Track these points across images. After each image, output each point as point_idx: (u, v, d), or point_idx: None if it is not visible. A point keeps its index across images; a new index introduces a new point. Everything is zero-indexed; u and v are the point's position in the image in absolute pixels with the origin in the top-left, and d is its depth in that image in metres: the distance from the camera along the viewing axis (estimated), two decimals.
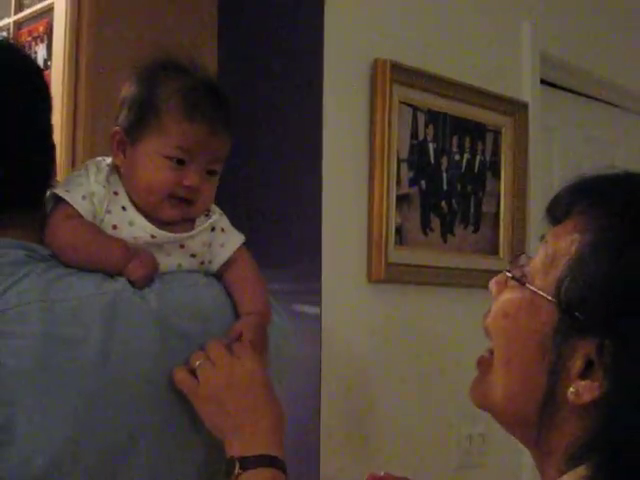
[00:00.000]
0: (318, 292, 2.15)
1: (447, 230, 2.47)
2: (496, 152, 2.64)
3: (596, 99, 3.23)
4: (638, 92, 3.34)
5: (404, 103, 2.35)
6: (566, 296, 0.92)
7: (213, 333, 1.28)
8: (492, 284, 1.08)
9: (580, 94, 3.16)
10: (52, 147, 1.31)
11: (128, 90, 1.34)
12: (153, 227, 1.28)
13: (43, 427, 1.11)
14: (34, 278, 1.17)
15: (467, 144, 2.55)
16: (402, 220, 2.34)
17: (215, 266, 1.36)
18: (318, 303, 2.14)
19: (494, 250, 2.62)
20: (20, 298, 1.14)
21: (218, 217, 1.38)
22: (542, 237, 1.04)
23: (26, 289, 1.15)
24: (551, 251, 0.97)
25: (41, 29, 2.30)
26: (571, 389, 0.91)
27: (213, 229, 1.36)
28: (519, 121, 2.69)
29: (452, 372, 2.42)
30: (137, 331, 1.19)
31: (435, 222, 2.44)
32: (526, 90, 2.77)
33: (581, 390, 0.91)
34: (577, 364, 0.91)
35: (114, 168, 1.32)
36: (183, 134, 1.28)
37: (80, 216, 1.26)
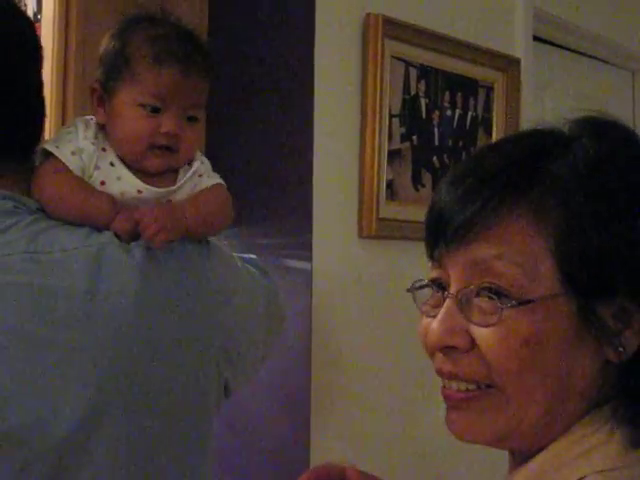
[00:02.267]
0: (309, 247, 2.15)
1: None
2: (488, 108, 2.64)
3: (588, 55, 3.22)
4: (630, 48, 3.33)
5: (396, 58, 2.34)
6: (577, 276, 0.86)
7: (198, 290, 1.28)
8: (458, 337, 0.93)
9: (572, 50, 3.15)
10: (42, 101, 1.31)
11: (103, 46, 1.34)
12: (139, 182, 1.28)
13: (20, 377, 1.11)
14: (20, 229, 1.17)
15: (459, 99, 2.54)
16: (394, 175, 2.34)
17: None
18: (309, 258, 2.15)
19: None
20: (4, 248, 1.14)
21: (199, 165, 1.36)
22: (433, 279, 0.99)
23: (11, 240, 1.15)
24: (518, 257, 0.87)
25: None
26: (614, 350, 0.87)
27: (200, 175, 1.36)
28: (511, 77, 2.69)
29: None
30: (120, 285, 1.19)
31: (426, 177, 2.44)
32: (519, 46, 2.76)
33: (623, 344, 0.87)
34: (611, 325, 0.87)
35: (101, 126, 1.32)
36: (154, 80, 1.27)
37: (69, 170, 1.26)
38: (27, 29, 1.29)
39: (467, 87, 2.57)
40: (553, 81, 3.07)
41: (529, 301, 0.87)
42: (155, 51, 1.28)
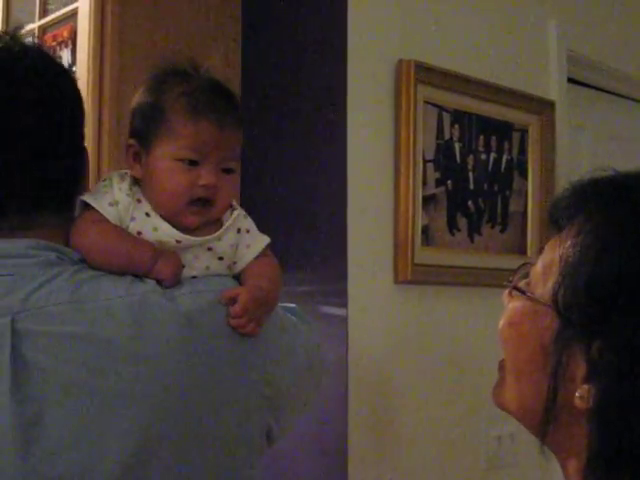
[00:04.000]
0: (345, 294, 2.14)
1: (474, 230, 2.46)
2: (523, 151, 2.63)
3: (623, 96, 3.20)
4: None
5: (429, 103, 2.34)
6: (562, 301, 0.93)
7: (241, 338, 1.27)
8: (504, 296, 1.08)
9: (607, 92, 3.13)
10: (83, 151, 1.33)
11: (136, 100, 1.36)
12: (177, 232, 1.29)
13: (70, 426, 1.12)
14: (64, 279, 1.18)
15: (494, 143, 2.54)
16: (429, 220, 2.33)
17: (240, 267, 1.36)
18: (345, 305, 2.14)
19: (522, 249, 2.60)
20: (50, 298, 1.15)
21: (242, 218, 1.38)
22: (540, 249, 1.05)
23: (56, 289, 1.16)
24: (549, 258, 0.98)
25: (65, 34, 2.31)
26: (577, 394, 0.91)
27: (239, 231, 1.36)
28: (546, 120, 2.68)
29: (479, 373, 2.41)
30: (165, 332, 1.19)
31: (462, 222, 2.43)
32: (553, 88, 2.76)
33: (585, 394, 0.91)
34: (580, 368, 0.91)
35: (135, 179, 1.34)
36: (191, 134, 1.29)
37: (107, 221, 1.28)
38: (69, 81, 1.32)
39: (501, 131, 2.56)
40: (588, 123, 3.05)
41: (524, 292, 1.01)
42: (191, 105, 1.29)
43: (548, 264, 0.98)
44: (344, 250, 2.16)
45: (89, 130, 2.14)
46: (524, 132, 2.63)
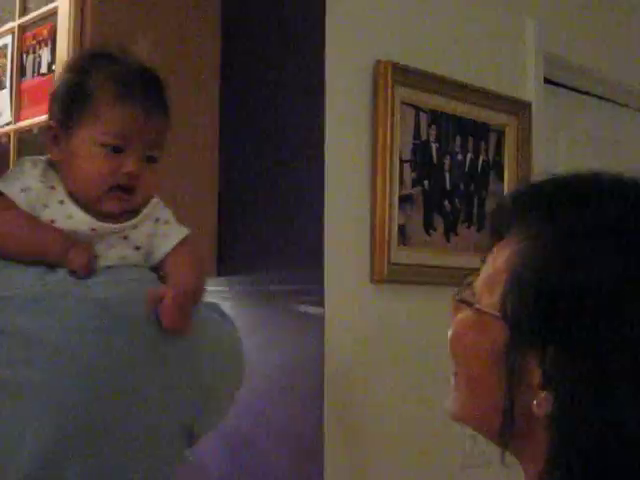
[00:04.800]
0: (321, 292, 2.15)
1: (450, 229, 2.48)
2: (499, 152, 2.64)
3: (600, 98, 3.23)
4: None
5: (406, 104, 2.36)
6: (510, 310, 0.91)
7: (158, 330, 1.23)
8: (451, 309, 1.06)
9: (583, 93, 3.16)
10: None
11: (59, 82, 1.32)
12: (92, 219, 1.25)
13: None
14: None
15: (470, 144, 2.55)
16: (405, 220, 2.35)
17: (157, 258, 1.32)
18: (321, 303, 2.15)
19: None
20: None
21: (161, 208, 1.34)
22: (483, 258, 1.03)
23: None
24: (492, 267, 0.96)
25: (45, 32, 2.31)
26: (534, 401, 0.90)
27: (157, 220, 1.33)
28: (522, 121, 2.69)
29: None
30: (80, 322, 1.16)
31: (438, 222, 2.45)
32: (529, 89, 2.77)
33: (542, 401, 0.90)
34: (536, 376, 0.90)
35: (51, 163, 1.30)
36: (117, 119, 1.25)
37: (17, 207, 1.24)
38: None
39: (478, 131, 2.58)
40: (565, 124, 3.07)
41: (471, 304, 0.98)
42: (119, 89, 1.25)
43: (492, 274, 0.96)
44: (320, 249, 2.17)
45: None
46: (500, 133, 2.64)
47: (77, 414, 1.13)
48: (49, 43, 2.30)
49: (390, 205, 2.28)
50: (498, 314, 0.93)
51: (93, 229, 1.25)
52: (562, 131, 3.06)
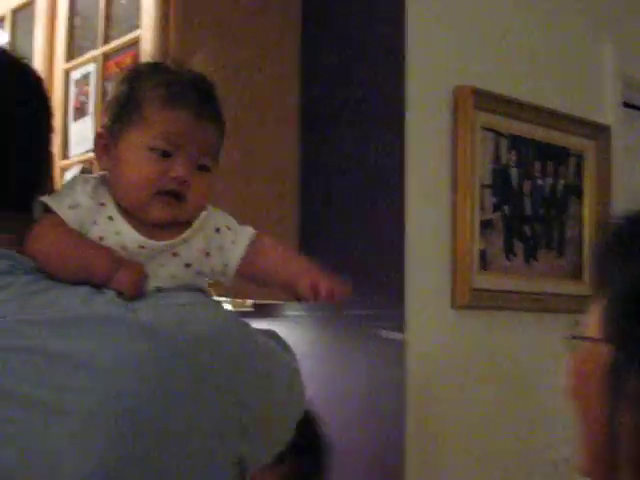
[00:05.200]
0: (402, 318, 2.15)
1: (531, 255, 2.47)
2: (579, 176, 2.63)
3: None
4: None
5: (486, 129, 2.36)
6: (611, 334, 0.88)
7: (209, 357, 1.16)
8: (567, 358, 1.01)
9: None
10: (48, 155, 1.25)
11: (111, 94, 1.28)
12: (140, 236, 1.19)
13: (17, 448, 1.03)
14: (14, 291, 1.09)
15: (550, 168, 2.54)
16: (486, 245, 2.34)
17: (232, 267, 1.26)
18: (402, 329, 2.15)
19: (577, 274, 2.60)
20: None
21: (218, 216, 1.28)
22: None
23: (4, 301, 1.08)
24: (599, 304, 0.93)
25: (128, 60, 2.36)
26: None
27: (218, 230, 1.26)
28: (602, 144, 2.68)
29: (536, 398, 2.41)
30: (125, 347, 1.09)
31: (518, 247, 2.44)
32: (608, 113, 2.75)
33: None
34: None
35: (102, 180, 1.25)
36: (165, 122, 1.20)
37: (65, 225, 1.19)
38: (37, 86, 1.25)
39: (557, 156, 2.57)
40: None
41: (583, 338, 0.95)
42: (168, 94, 1.21)
43: (594, 310, 0.93)
44: (401, 274, 2.17)
45: None
46: (580, 157, 2.63)
47: (118, 444, 1.06)
48: None
49: (471, 230, 2.28)
50: (602, 337, 0.90)
51: (142, 246, 1.19)
52: None
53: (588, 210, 2.64)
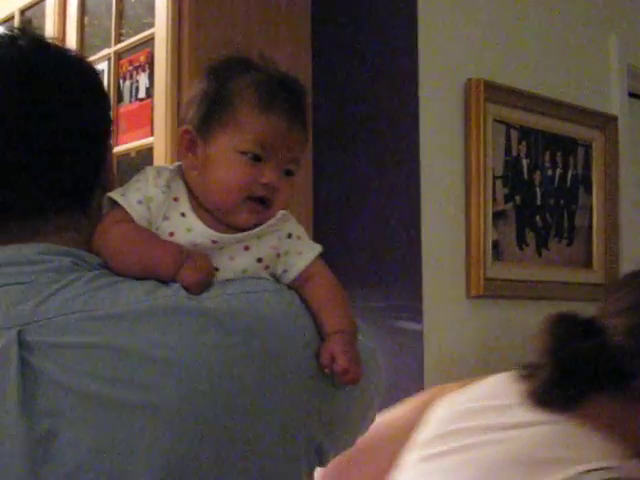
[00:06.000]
0: (420, 309, 2.19)
1: (542, 244, 2.50)
2: (588, 166, 2.66)
3: None
4: None
5: (497, 121, 2.39)
6: None
7: (284, 342, 1.14)
8: None
9: None
10: (107, 148, 1.25)
11: (197, 87, 1.25)
12: (212, 231, 1.18)
13: (88, 443, 1.02)
14: (79, 287, 1.08)
15: (559, 159, 2.57)
16: (498, 236, 2.37)
17: (292, 275, 1.23)
18: (420, 319, 2.18)
19: (588, 263, 2.63)
20: (63, 307, 1.06)
21: (294, 223, 1.26)
22: None
23: (69, 298, 1.07)
24: None
25: (142, 59, 2.38)
26: None
27: (290, 236, 1.24)
28: (609, 134, 2.71)
29: None
30: (193, 337, 1.08)
31: (530, 237, 2.47)
32: (615, 103, 2.78)
33: None
34: None
35: (177, 174, 1.24)
36: (260, 127, 1.18)
37: (132, 221, 1.17)
38: (94, 81, 1.24)
39: (566, 146, 2.60)
40: None
41: None
42: (262, 96, 1.19)
43: None
44: (419, 265, 2.20)
45: (168, 152, 2.21)
46: (588, 147, 2.66)
47: (193, 435, 1.05)
48: (146, 69, 2.37)
49: (484, 221, 2.31)
50: None
51: (214, 241, 1.18)
52: None
53: (596, 199, 2.67)
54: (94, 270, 1.12)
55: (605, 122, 2.71)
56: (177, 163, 1.26)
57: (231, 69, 1.24)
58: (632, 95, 2.91)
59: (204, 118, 1.21)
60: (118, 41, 2.49)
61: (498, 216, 2.37)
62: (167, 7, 2.25)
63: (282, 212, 1.22)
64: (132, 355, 1.04)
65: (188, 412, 1.05)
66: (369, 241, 2.30)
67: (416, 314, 2.19)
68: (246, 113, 1.19)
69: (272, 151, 1.19)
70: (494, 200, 2.36)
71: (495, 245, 2.36)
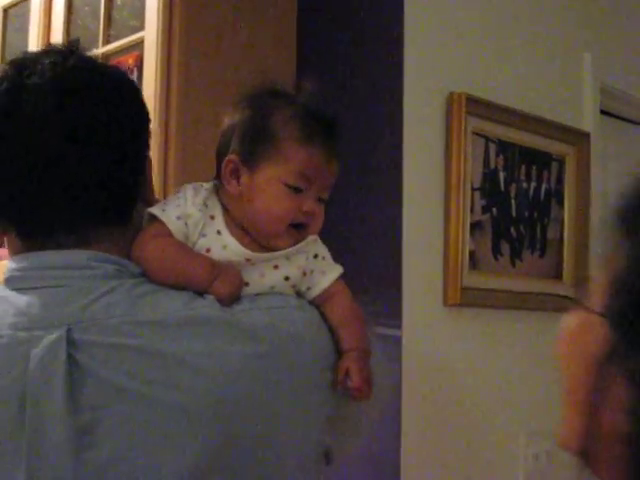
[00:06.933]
0: (399, 316, 2.24)
1: (515, 255, 2.56)
2: (560, 180, 2.73)
3: None
4: None
5: (477, 134, 2.45)
6: (612, 311, 0.83)
7: (305, 356, 1.25)
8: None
9: (638, 124, 3.24)
10: (147, 161, 1.33)
11: (238, 117, 1.35)
12: (246, 250, 1.28)
13: (124, 436, 1.11)
14: (122, 293, 1.18)
15: (534, 173, 2.64)
16: (475, 246, 2.43)
17: (314, 293, 1.35)
18: (399, 326, 2.23)
19: (558, 275, 2.70)
20: (107, 311, 1.16)
21: (319, 244, 1.38)
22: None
23: (113, 303, 1.16)
24: (613, 267, 0.87)
25: (130, 61, 2.39)
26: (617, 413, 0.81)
27: (315, 256, 1.36)
28: (582, 150, 2.78)
29: (519, 390, 2.51)
30: (227, 347, 1.17)
31: (505, 247, 2.53)
32: (588, 120, 2.86)
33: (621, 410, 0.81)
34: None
35: (212, 192, 1.34)
36: (303, 161, 1.29)
37: (171, 235, 1.27)
38: (136, 97, 1.33)
39: (541, 160, 2.67)
40: (618, 153, 3.15)
41: (580, 302, 0.91)
42: (304, 131, 1.29)
43: (612, 272, 0.86)
44: (398, 274, 2.25)
45: (156, 154, 2.24)
46: (561, 162, 2.73)
47: (220, 439, 1.14)
48: (134, 71, 2.38)
49: (462, 232, 2.37)
50: (601, 312, 0.85)
51: (248, 259, 1.28)
52: (615, 160, 3.13)
53: (568, 213, 2.74)
54: (135, 278, 1.22)
55: (578, 138, 2.78)
56: (212, 182, 1.36)
57: (269, 101, 1.34)
58: (604, 112, 2.99)
59: (249, 149, 1.31)
60: (106, 42, 2.50)
61: (475, 227, 2.43)
62: (158, 11, 2.27)
63: (311, 237, 1.35)
64: (169, 359, 1.13)
65: (218, 416, 1.13)
66: (350, 248, 2.35)
67: (395, 320, 2.24)
68: (290, 146, 1.29)
69: (312, 182, 1.31)
70: (472, 211, 2.42)
71: (472, 255, 2.42)
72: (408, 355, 2.24)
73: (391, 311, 2.25)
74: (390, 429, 2.21)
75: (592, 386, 0.84)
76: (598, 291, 0.88)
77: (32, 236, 1.25)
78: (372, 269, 2.32)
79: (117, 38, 2.47)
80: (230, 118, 1.37)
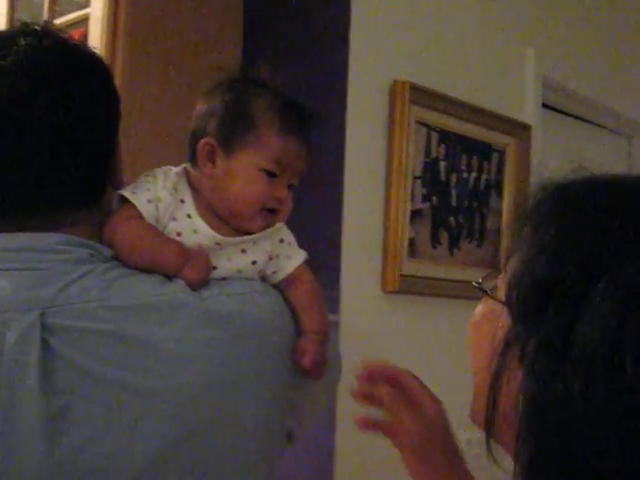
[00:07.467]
0: (337, 301, 2.26)
1: (454, 244, 2.60)
2: (500, 171, 2.77)
3: (592, 123, 3.37)
4: (631, 117, 3.48)
5: (419, 123, 2.47)
6: (513, 298, 0.89)
7: (271, 340, 1.27)
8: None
9: (575, 116, 3.30)
10: (117, 145, 1.33)
11: (216, 101, 1.37)
12: (216, 234, 1.30)
13: (97, 420, 1.12)
14: (95, 277, 1.18)
15: (475, 163, 2.67)
16: (414, 234, 2.46)
17: (280, 277, 1.37)
18: (337, 311, 2.25)
19: (496, 264, 2.73)
20: (81, 295, 1.16)
21: (286, 230, 1.42)
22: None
23: (86, 287, 1.16)
24: (514, 261, 0.93)
25: (76, 37, 2.37)
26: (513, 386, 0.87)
27: (282, 241, 1.40)
28: (522, 142, 2.82)
29: (455, 376, 2.54)
30: (197, 332, 1.19)
31: (444, 236, 2.56)
32: (529, 113, 2.90)
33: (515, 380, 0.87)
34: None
35: (182, 176, 1.35)
36: (279, 148, 1.32)
37: (142, 218, 1.28)
38: (106, 80, 1.31)
39: (482, 151, 2.70)
40: (558, 146, 3.20)
41: (486, 292, 1.02)
42: (282, 120, 1.33)
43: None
44: (337, 259, 2.27)
45: None
46: (502, 153, 2.77)
47: (190, 422, 1.16)
48: None
49: (402, 219, 2.39)
50: (503, 301, 0.92)
51: (218, 243, 1.30)
52: (555, 152, 3.18)
53: (507, 204, 2.78)
54: (107, 262, 1.22)
55: (519, 130, 2.82)
56: (182, 166, 1.38)
57: (247, 88, 1.37)
58: (546, 106, 3.03)
59: (227, 134, 1.34)
60: (52, 18, 2.48)
61: (415, 215, 2.46)
62: None
63: (278, 223, 1.38)
64: (140, 344, 1.15)
65: (187, 400, 1.16)
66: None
67: (333, 305, 2.25)
68: (269, 134, 1.33)
69: (285, 169, 1.34)
70: (412, 199, 2.45)
71: (411, 243, 2.44)
72: (346, 340, 2.25)
73: (330, 296, 2.26)
74: (325, 414, 2.22)
75: (494, 368, 0.91)
76: (503, 283, 0.96)
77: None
78: (312, 254, 2.30)
79: (62, 14, 2.45)
80: (207, 101, 1.39)
